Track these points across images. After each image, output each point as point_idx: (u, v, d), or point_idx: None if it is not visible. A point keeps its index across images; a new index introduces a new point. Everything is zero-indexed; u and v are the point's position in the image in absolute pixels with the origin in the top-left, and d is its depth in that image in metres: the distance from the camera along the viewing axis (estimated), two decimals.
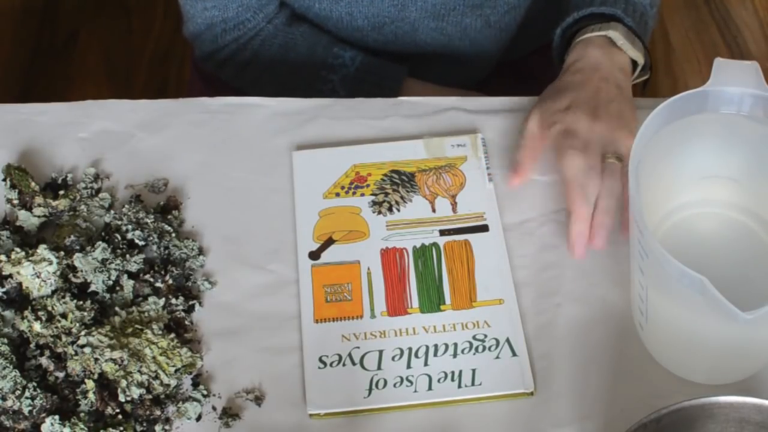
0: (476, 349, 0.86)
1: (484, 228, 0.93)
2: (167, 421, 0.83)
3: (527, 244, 0.92)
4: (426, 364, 0.85)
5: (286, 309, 0.89)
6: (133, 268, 0.89)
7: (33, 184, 0.95)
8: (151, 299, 0.87)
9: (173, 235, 0.92)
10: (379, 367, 0.85)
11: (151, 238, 0.91)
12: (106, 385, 0.82)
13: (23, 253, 0.88)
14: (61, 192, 0.95)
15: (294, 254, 0.92)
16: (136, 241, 0.91)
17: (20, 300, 0.87)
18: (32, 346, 0.85)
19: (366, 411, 0.83)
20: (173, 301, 0.88)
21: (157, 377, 0.83)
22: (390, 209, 0.94)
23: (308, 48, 1.14)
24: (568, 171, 0.90)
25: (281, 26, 1.14)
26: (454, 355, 0.85)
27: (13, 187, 0.95)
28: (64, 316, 0.85)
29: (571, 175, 0.89)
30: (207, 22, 1.13)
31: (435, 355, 0.85)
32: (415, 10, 1.11)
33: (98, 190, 0.96)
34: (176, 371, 0.84)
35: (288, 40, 1.14)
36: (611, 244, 0.91)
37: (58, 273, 0.87)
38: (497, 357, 0.85)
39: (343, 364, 0.85)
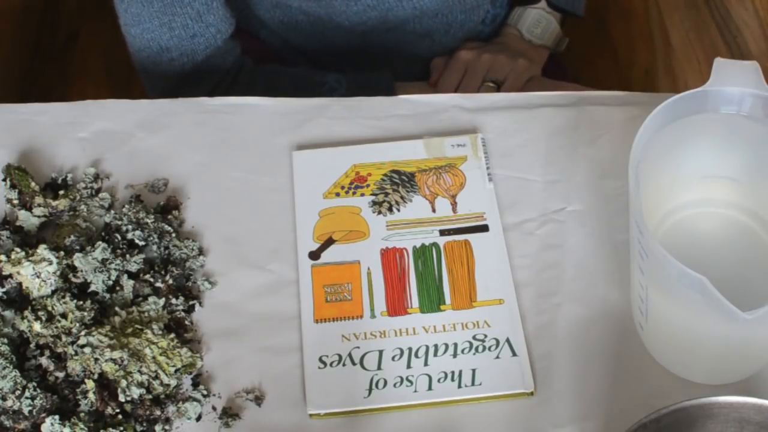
0: (476, 349, 0.86)
1: (484, 228, 0.93)
2: (167, 421, 0.83)
3: (527, 244, 0.92)
4: (426, 364, 0.85)
5: (286, 309, 0.89)
6: (133, 268, 0.89)
7: (33, 184, 0.95)
8: (151, 299, 0.87)
9: (173, 235, 0.92)
10: (379, 367, 0.85)
11: (151, 238, 0.91)
12: (106, 385, 0.82)
13: (23, 253, 0.87)
14: (61, 192, 0.95)
15: (294, 254, 0.92)
16: (136, 241, 0.91)
17: (20, 300, 0.87)
18: (32, 346, 0.85)
19: (366, 411, 0.83)
20: (173, 301, 0.88)
21: (157, 377, 0.83)
22: (390, 209, 0.94)
23: (291, 81, 1.13)
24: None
25: (253, 66, 1.14)
26: (454, 355, 0.85)
27: (13, 187, 0.95)
28: (64, 316, 0.85)
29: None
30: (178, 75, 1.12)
31: (435, 355, 0.85)
32: None
33: (98, 190, 0.96)
34: (176, 371, 0.84)
35: (269, 77, 1.14)
36: (611, 243, 0.91)
37: (58, 273, 0.87)
38: (497, 357, 0.85)
39: (343, 364, 0.85)
